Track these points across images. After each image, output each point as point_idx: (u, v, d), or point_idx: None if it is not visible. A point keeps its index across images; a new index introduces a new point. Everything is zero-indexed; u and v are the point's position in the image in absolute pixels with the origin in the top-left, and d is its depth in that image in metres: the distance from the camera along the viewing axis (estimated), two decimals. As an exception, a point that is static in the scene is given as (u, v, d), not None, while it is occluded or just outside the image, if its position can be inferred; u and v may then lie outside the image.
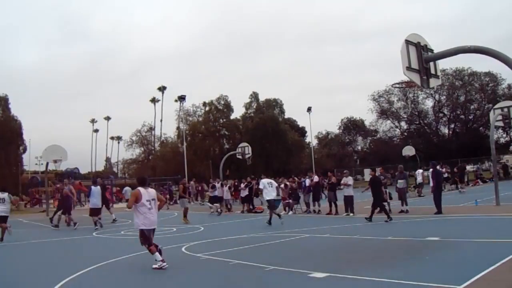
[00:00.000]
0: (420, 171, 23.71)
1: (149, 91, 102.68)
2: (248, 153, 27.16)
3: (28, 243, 12.00)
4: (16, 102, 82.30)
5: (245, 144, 28.66)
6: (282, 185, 19.43)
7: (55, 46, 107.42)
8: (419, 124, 51.83)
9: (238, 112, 57.28)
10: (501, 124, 19.18)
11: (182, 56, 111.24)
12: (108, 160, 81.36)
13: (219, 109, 55.41)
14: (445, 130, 51.32)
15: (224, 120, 55.47)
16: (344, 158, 58.29)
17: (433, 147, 46.81)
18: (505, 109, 17.64)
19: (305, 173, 24.67)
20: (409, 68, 7.57)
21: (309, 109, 53.23)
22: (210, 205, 20.64)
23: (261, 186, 14.70)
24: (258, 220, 16.26)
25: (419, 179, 23.06)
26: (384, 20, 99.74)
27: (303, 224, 13.32)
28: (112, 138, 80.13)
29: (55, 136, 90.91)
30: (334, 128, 68.86)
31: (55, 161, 23.06)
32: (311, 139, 60.81)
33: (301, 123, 64.57)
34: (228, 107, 55.64)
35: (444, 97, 48.92)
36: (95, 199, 15.75)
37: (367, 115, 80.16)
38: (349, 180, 15.85)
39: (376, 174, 14.88)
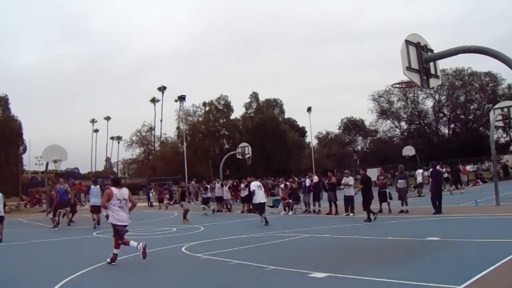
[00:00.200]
0: (420, 171, 23.72)
1: (149, 91, 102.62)
2: (248, 153, 27.17)
3: (28, 243, 12.00)
4: (16, 102, 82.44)
5: (245, 144, 28.67)
6: (282, 185, 19.47)
7: (55, 46, 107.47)
8: (419, 124, 51.83)
9: (238, 112, 57.35)
10: (501, 124, 19.19)
11: (182, 56, 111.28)
12: (108, 160, 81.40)
13: (219, 109, 55.39)
14: (445, 130, 51.36)
15: (224, 120, 55.45)
16: (344, 158, 58.29)
17: (433, 147, 46.80)
18: (505, 109, 17.65)
19: (305, 173, 24.70)
20: (409, 68, 7.57)
21: (309, 109, 53.24)
22: (204, 205, 20.94)
23: (252, 188, 14.99)
24: (258, 220, 16.26)
25: (419, 179, 23.07)
26: (384, 20, 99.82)
27: (303, 224, 13.32)
28: (112, 138, 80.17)
29: (55, 136, 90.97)
30: (334, 128, 68.91)
31: (55, 161, 23.05)
32: (311, 139, 60.90)
33: (301, 123, 64.65)
34: (228, 107, 55.62)
35: (444, 97, 48.93)
36: (95, 198, 16.20)
37: (367, 115, 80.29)
38: (350, 180, 15.85)
39: (367, 173, 14.98)
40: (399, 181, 15.63)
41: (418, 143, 44.62)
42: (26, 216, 23.62)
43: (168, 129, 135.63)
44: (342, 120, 61.76)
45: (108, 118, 77.45)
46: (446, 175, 26.88)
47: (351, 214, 15.15)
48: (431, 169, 15.35)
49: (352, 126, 61.32)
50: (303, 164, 53.62)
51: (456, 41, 73.96)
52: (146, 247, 7.89)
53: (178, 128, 57.57)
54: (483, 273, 5.70)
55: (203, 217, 18.50)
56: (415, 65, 7.68)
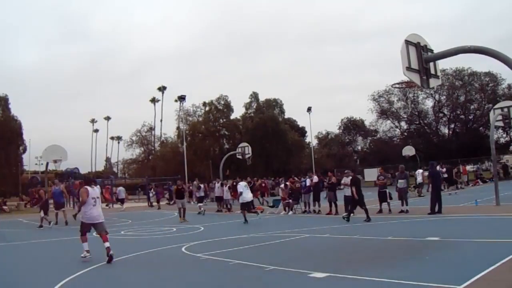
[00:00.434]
0: (420, 171, 23.71)
1: (149, 91, 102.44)
2: (248, 153, 27.18)
3: (28, 243, 12.00)
4: (16, 102, 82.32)
5: (245, 144, 28.69)
6: (282, 185, 19.47)
7: (55, 46, 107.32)
8: (419, 124, 51.85)
9: (238, 112, 57.36)
10: (501, 124, 19.19)
11: (182, 56, 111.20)
12: (108, 160, 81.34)
13: (219, 109, 55.41)
14: (445, 130, 51.39)
15: (224, 120, 55.46)
16: (344, 158, 58.29)
17: (433, 147, 46.82)
18: (505, 109, 17.65)
19: (305, 173, 24.70)
20: (409, 68, 7.58)
21: (309, 109, 53.26)
22: (199, 205, 21.36)
23: (240, 189, 15.76)
24: (258, 220, 16.27)
25: (419, 179, 23.06)
26: (384, 20, 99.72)
27: (303, 224, 13.32)
28: (112, 138, 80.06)
29: (55, 136, 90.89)
30: (334, 128, 68.87)
31: (55, 161, 23.08)
32: (311, 139, 60.91)
33: (301, 123, 64.64)
34: (228, 107, 55.64)
35: (444, 97, 48.95)
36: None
37: (367, 115, 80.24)
38: (350, 180, 15.84)
39: (357, 175, 15.28)
40: (400, 181, 15.62)
41: (418, 143, 44.64)
42: (26, 216, 23.62)
43: (168, 129, 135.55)
44: (342, 120, 61.83)
45: (108, 118, 77.42)
46: (446, 175, 26.97)
47: (351, 214, 15.13)
48: (429, 169, 15.40)
49: (352, 126, 61.31)
50: (303, 164, 53.62)
51: (456, 41, 73.97)
52: (85, 257, 8.35)
53: (178, 128, 57.63)
54: (483, 273, 5.70)
55: (203, 217, 18.51)
56: (415, 65, 7.68)
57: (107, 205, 27.13)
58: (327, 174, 18.27)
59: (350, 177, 14.56)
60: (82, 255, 8.41)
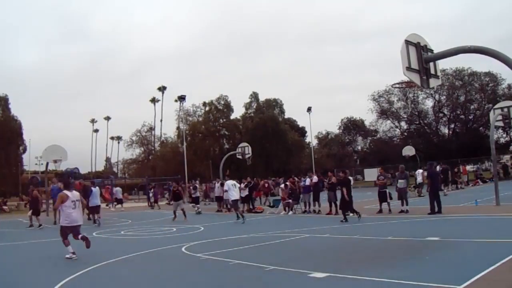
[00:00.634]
0: (420, 171, 23.70)
1: (149, 91, 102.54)
2: (248, 153, 27.16)
3: (28, 243, 12.00)
4: (16, 102, 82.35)
5: (245, 144, 28.67)
6: (282, 185, 19.48)
7: (55, 46, 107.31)
8: (419, 124, 51.82)
9: (238, 112, 57.35)
10: (501, 124, 19.18)
11: (182, 56, 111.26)
12: (108, 160, 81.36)
13: (219, 109, 55.40)
14: (445, 130, 51.35)
15: (224, 120, 55.46)
16: (344, 158, 58.30)
17: (433, 147, 46.80)
18: (505, 109, 17.64)
19: (305, 173, 24.70)
20: (409, 68, 7.57)
21: (309, 109, 53.25)
22: (194, 204, 21.55)
23: (226, 188, 16.39)
24: (258, 220, 16.28)
25: (419, 179, 23.05)
26: (384, 20, 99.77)
27: (303, 224, 13.32)
28: (112, 138, 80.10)
29: (55, 136, 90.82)
30: (334, 128, 68.90)
31: (55, 161, 23.06)
32: (311, 139, 60.91)
33: (301, 123, 64.66)
34: (228, 107, 55.63)
35: (444, 97, 48.92)
36: (96, 199, 16.95)
37: (367, 115, 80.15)
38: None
39: (347, 176, 15.45)
40: (400, 181, 15.63)
41: (418, 143, 44.61)
42: (26, 216, 23.57)
43: (168, 129, 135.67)
44: (342, 120, 61.81)
45: (108, 118, 77.46)
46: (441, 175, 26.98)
47: (351, 214, 15.14)
48: (428, 170, 15.43)
49: (352, 126, 61.30)
50: (303, 164, 53.62)
51: (456, 41, 73.94)
52: (71, 258, 8.62)
53: (178, 128, 57.61)
54: (483, 273, 5.70)
55: (203, 217, 18.51)
56: (415, 65, 7.67)
57: (107, 205, 27.13)
58: (327, 174, 18.27)
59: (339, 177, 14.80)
60: (68, 256, 8.65)
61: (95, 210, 16.84)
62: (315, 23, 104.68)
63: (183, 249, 9.41)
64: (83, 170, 61.32)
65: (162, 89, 67.20)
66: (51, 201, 24.48)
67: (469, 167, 36.58)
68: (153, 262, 8.32)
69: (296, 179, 20.43)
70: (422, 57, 7.76)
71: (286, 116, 60.03)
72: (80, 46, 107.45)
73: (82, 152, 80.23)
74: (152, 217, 19.54)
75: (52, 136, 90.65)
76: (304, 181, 18.06)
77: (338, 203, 15.94)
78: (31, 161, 58.40)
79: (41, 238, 13.11)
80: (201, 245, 10.02)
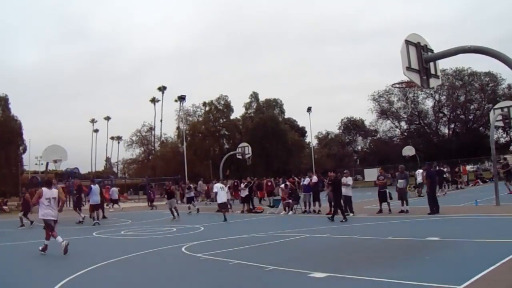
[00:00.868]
0: (420, 171, 23.67)
1: (149, 91, 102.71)
2: (248, 153, 27.19)
3: (28, 243, 11.98)
4: (16, 102, 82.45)
5: (245, 144, 28.70)
6: (282, 185, 19.47)
7: (55, 46, 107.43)
8: (419, 124, 51.83)
9: (238, 112, 57.37)
10: (501, 124, 19.19)
11: (182, 56, 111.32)
12: (108, 160, 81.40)
13: (219, 109, 55.40)
14: (445, 130, 51.36)
15: (224, 120, 55.45)
16: (344, 158, 58.32)
17: (433, 147, 46.81)
18: (505, 109, 17.64)
19: (305, 173, 24.72)
20: (409, 68, 7.58)
21: (309, 109, 53.27)
22: (189, 205, 21.70)
23: (215, 190, 16.90)
24: (258, 220, 16.28)
25: (419, 179, 23.03)
26: (384, 20, 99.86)
27: (303, 224, 13.31)
28: (112, 138, 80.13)
29: (55, 136, 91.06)
30: (334, 128, 69.03)
31: (55, 161, 23.09)
32: (311, 139, 60.95)
33: (301, 123, 64.71)
34: (228, 107, 55.63)
35: (444, 97, 48.93)
36: (96, 197, 17.07)
37: (367, 115, 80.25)
38: (349, 180, 15.89)
39: (338, 176, 15.68)
40: (400, 181, 15.63)
41: (418, 143, 44.63)
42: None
43: (168, 129, 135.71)
44: (342, 120, 61.88)
45: (108, 118, 77.47)
46: (446, 175, 26.97)
47: (351, 214, 15.16)
48: (426, 170, 15.48)
49: (352, 126, 61.33)
50: (303, 164, 53.62)
51: (456, 41, 73.94)
52: (68, 246, 9.10)
53: (178, 128, 57.58)
54: (483, 273, 5.69)
55: (204, 217, 18.50)
56: (415, 65, 7.68)
57: (107, 205, 27.08)
58: (327, 174, 18.28)
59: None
60: (63, 243, 9.10)
61: (95, 208, 16.91)
62: (315, 23, 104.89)
63: (183, 249, 9.41)
64: (83, 170, 61.50)
65: (162, 89, 67.18)
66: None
67: (469, 167, 36.60)
68: (153, 262, 8.32)
69: (296, 179, 20.46)
70: (422, 57, 7.77)
71: (286, 116, 60.14)
72: (80, 46, 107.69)
73: (82, 152, 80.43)
74: (152, 217, 19.53)
75: (52, 136, 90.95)
76: (304, 181, 18.08)
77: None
78: (31, 161, 58.53)
79: (41, 238, 13.04)
80: (201, 245, 10.02)
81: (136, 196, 38.89)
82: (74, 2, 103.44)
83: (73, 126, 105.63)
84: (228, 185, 22.24)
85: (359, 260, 7.42)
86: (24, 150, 49.30)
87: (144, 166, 61.16)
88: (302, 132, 63.54)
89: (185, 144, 43.93)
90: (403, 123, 53.21)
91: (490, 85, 46.74)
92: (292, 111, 76.89)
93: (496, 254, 6.73)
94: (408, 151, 33.79)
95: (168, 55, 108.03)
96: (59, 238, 9.20)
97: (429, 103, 50.17)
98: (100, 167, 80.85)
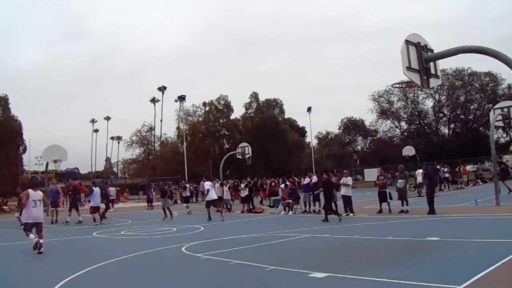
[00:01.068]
0: (420, 171, 23.63)
1: (149, 91, 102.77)
2: (248, 153, 27.16)
3: (28, 243, 11.96)
4: (16, 102, 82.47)
5: (245, 144, 28.66)
6: (282, 185, 19.47)
7: (55, 46, 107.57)
8: (419, 124, 51.85)
9: (238, 112, 57.36)
10: (501, 124, 19.16)
11: (182, 56, 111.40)
12: (108, 160, 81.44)
13: (219, 109, 55.39)
14: (445, 130, 51.41)
15: (224, 120, 55.44)
16: (344, 158, 58.33)
17: (433, 147, 46.83)
18: (505, 109, 17.62)
19: (305, 173, 24.70)
20: (409, 68, 7.56)
21: (309, 109, 53.27)
22: (186, 204, 21.88)
23: (207, 188, 17.07)
24: (258, 220, 16.29)
25: (419, 179, 23.01)
26: (384, 20, 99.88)
27: (303, 224, 13.31)
28: (112, 138, 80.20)
29: (55, 136, 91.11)
30: (334, 128, 69.03)
31: (55, 161, 23.06)
32: (311, 139, 60.93)
33: (301, 123, 64.70)
34: (228, 107, 55.62)
35: (444, 97, 48.96)
36: (97, 199, 17.35)
37: (367, 115, 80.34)
38: (349, 180, 15.91)
39: (330, 177, 15.78)
40: (399, 181, 15.64)
41: (418, 143, 44.64)
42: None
43: (168, 129, 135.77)
44: (342, 120, 61.93)
45: (108, 118, 77.55)
46: (447, 175, 27.00)
47: (351, 214, 15.17)
48: (424, 171, 15.52)
49: (352, 126, 61.36)
50: (303, 164, 53.61)
51: (456, 41, 73.96)
52: (41, 244, 9.50)
53: (178, 128, 57.58)
54: (483, 273, 5.69)
55: (204, 217, 18.47)
56: (415, 65, 7.67)
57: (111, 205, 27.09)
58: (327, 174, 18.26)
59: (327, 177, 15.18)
60: (35, 240, 9.57)
61: (95, 210, 17.04)
62: (315, 23, 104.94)
63: (183, 249, 9.41)
64: (83, 170, 61.56)
65: (162, 89, 67.20)
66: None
67: (469, 167, 36.56)
68: (153, 262, 8.32)
69: (296, 179, 20.45)
70: (422, 57, 7.76)
71: (286, 116, 60.13)
72: (80, 46, 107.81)
73: (82, 152, 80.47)
74: (152, 217, 19.52)
75: (52, 136, 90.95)
76: (304, 181, 18.09)
77: (338, 203, 15.99)
78: (31, 161, 58.52)
79: (41, 238, 13.09)
80: (201, 245, 10.02)
81: (136, 196, 38.83)
82: (74, 2, 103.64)
83: (73, 126, 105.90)
84: (228, 185, 22.23)
85: (359, 260, 7.42)
86: (24, 150, 49.24)
87: (144, 166, 61.18)
88: (302, 132, 63.54)
89: (185, 144, 43.92)
90: (403, 123, 53.33)
91: (490, 85, 46.77)
92: (292, 111, 77.02)
93: (496, 254, 6.73)
94: (408, 151, 33.77)
95: (168, 55, 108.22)
96: (31, 236, 9.67)
97: (429, 103, 50.29)
98: (100, 167, 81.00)
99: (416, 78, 7.77)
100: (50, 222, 18.12)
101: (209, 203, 16.73)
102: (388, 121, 52.66)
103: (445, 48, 8.00)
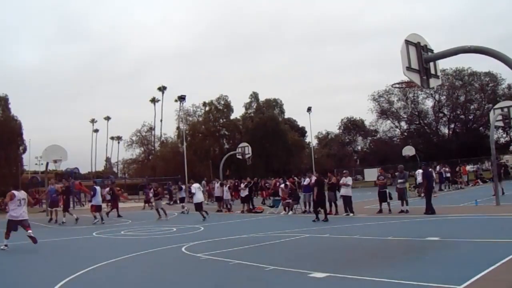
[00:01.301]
0: (420, 171, 23.63)
1: (149, 91, 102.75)
2: (248, 153, 27.17)
3: (28, 243, 11.96)
4: (16, 102, 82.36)
5: (245, 144, 28.67)
6: (282, 185, 19.48)
7: (55, 46, 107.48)
8: (419, 124, 51.85)
9: (238, 112, 57.29)
10: (501, 124, 19.18)
11: (182, 56, 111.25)
12: (108, 160, 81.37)
13: (219, 109, 55.34)
14: (445, 130, 51.41)
15: (224, 120, 55.39)
16: (344, 158, 58.28)
17: (433, 147, 46.82)
18: (505, 109, 17.63)
19: (305, 173, 24.70)
20: (409, 68, 7.57)
21: (309, 109, 53.19)
22: (182, 204, 22.00)
23: (193, 191, 17.48)
24: (258, 220, 16.29)
25: (419, 179, 23.02)
26: (384, 20, 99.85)
27: (303, 224, 13.32)
28: (112, 138, 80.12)
29: (55, 136, 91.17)
30: (334, 128, 68.93)
31: (55, 161, 23.07)
32: (311, 139, 60.86)
33: (301, 123, 64.66)
34: (228, 107, 55.57)
35: (444, 97, 48.96)
36: (99, 198, 17.78)
37: (367, 115, 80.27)
38: (349, 180, 15.92)
39: (330, 178, 16.13)
40: (399, 181, 15.65)
41: (418, 143, 44.65)
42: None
43: (168, 129, 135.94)
44: (342, 120, 61.89)
45: (108, 118, 77.48)
46: (448, 174, 27.02)
47: (351, 214, 15.17)
48: (423, 171, 15.54)
49: (352, 126, 61.34)
50: (303, 164, 53.61)
51: (456, 41, 73.96)
52: (32, 235, 10.18)
53: (178, 128, 57.51)
54: (483, 273, 5.70)
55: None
56: (415, 65, 7.67)
57: (107, 205, 27.08)
58: (327, 175, 18.27)
59: (315, 178, 15.53)
60: (1, 247, 10.08)
61: (98, 208, 17.33)
62: (315, 23, 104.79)
63: (183, 249, 9.41)
64: (83, 170, 61.55)
65: (162, 89, 67.17)
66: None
67: (469, 167, 36.57)
68: (153, 262, 8.32)
69: (296, 179, 20.45)
70: (422, 57, 7.76)
71: (286, 116, 60.09)
72: (80, 46, 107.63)
73: (82, 152, 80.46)
74: (152, 217, 19.49)
75: (52, 136, 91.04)
76: (304, 181, 18.09)
77: (338, 203, 16.00)
78: (31, 161, 58.40)
79: (41, 238, 13.08)
80: (201, 245, 10.02)
81: (136, 196, 38.83)
82: (74, 2, 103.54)
83: (73, 126, 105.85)
84: (228, 185, 22.24)
85: (359, 260, 7.42)
86: (24, 150, 49.12)
87: (144, 166, 61.12)
88: (302, 132, 63.53)
89: (185, 144, 43.88)
90: (403, 123, 53.33)
91: (490, 85, 46.77)
92: (292, 111, 76.96)
93: (496, 254, 6.73)
94: (408, 151, 33.78)
95: (168, 55, 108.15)
96: (5, 241, 10.20)
97: (429, 103, 50.29)
98: (100, 167, 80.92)
99: (416, 78, 7.77)
100: (48, 221, 18.19)
101: (196, 206, 17.20)
102: (388, 121, 52.71)
103: (445, 48, 8.01)
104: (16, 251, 10.77)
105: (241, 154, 27.98)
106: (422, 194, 21.42)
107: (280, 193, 19.34)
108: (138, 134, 64.58)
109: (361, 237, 10.20)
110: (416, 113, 50.69)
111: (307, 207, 17.54)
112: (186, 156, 40.67)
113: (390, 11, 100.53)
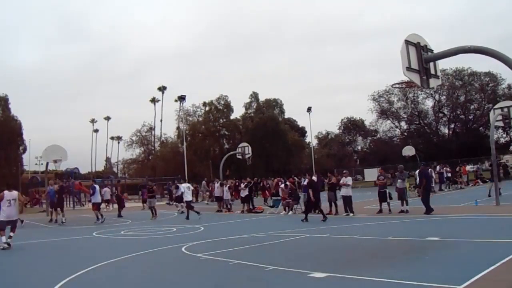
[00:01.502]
0: (420, 171, 23.70)
1: (149, 91, 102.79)
2: (248, 153, 27.17)
3: (28, 243, 11.99)
4: (16, 102, 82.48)
5: (245, 144, 28.67)
6: (282, 185, 19.48)
7: (55, 46, 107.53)
8: (419, 124, 51.85)
9: (238, 112, 57.33)
10: (501, 124, 19.18)
11: (182, 56, 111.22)
12: (108, 160, 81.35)
13: (219, 109, 55.36)
14: (445, 130, 51.40)
15: (224, 120, 55.42)
16: (344, 158, 58.30)
17: (433, 147, 46.82)
18: (505, 109, 17.63)
19: (305, 173, 24.72)
20: (409, 68, 7.57)
21: (309, 109, 53.22)
22: (177, 204, 22.11)
23: (182, 190, 18.13)
24: (258, 220, 16.29)
25: (419, 179, 23.05)
26: (385, 20, 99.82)
27: (303, 224, 13.33)
28: (112, 138, 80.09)
29: (55, 136, 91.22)
30: (334, 128, 68.96)
31: (55, 161, 23.08)
32: (311, 139, 60.91)
33: (301, 123, 64.72)
34: (228, 107, 55.59)
35: (444, 97, 48.95)
36: (98, 196, 18.16)
37: (367, 115, 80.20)
38: (349, 180, 15.91)
39: (313, 179, 16.30)
40: (399, 181, 15.65)
41: (418, 143, 44.65)
42: (26, 216, 23.56)
43: (168, 129, 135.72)
44: (342, 120, 61.90)
45: (108, 118, 77.46)
46: (449, 174, 27.03)
47: (351, 214, 15.17)
48: (422, 171, 15.55)
49: (352, 126, 61.34)
50: (303, 164, 53.63)
51: (456, 41, 73.95)
52: (8, 244, 10.31)
53: (178, 128, 57.55)
54: (483, 273, 5.70)
55: (204, 217, 18.48)
56: (415, 65, 7.68)
57: (106, 205, 27.08)
58: (327, 175, 18.29)
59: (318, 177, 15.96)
60: (0, 247, 10.14)
61: (99, 206, 17.60)
62: (315, 23, 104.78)
63: (183, 249, 9.41)
64: (83, 170, 61.53)
65: (162, 89, 67.19)
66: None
67: (469, 167, 36.55)
68: (153, 262, 8.32)
69: (296, 179, 20.46)
70: (422, 57, 7.77)
71: (286, 116, 60.14)
72: (80, 46, 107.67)
73: (82, 152, 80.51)
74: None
75: (52, 136, 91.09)
76: (304, 181, 18.11)
77: (338, 203, 16.00)
78: (31, 161, 58.59)
79: (41, 238, 13.12)
80: (201, 245, 10.02)
81: (136, 196, 38.84)
82: (74, 2, 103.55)
83: (73, 126, 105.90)
84: (228, 185, 22.23)
85: (359, 260, 7.42)
86: (24, 150, 49.32)
87: (144, 166, 61.14)
88: (302, 132, 63.55)
89: (185, 144, 43.91)
90: (403, 123, 53.33)
91: (490, 85, 46.76)
92: (292, 111, 76.99)
93: (496, 254, 6.73)
94: (408, 151, 33.78)
95: (168, 55, 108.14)
96: (3, 239, 10.33)
97: (429, 103, 50.28)
98: (100, 167, 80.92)
99: (416, 78, 7.77)
100: (49, 221, 18.21)
101: (186, 205, 17.73)
102: (388, 121, 52.70)
103: (445, 48, 8.02)
104: (16, 251, 10.77)
105: (241, 154, 27.98)
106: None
107: (280, 193, 19.34)
108: (138, 134, 64.68)
109: (361, 237, 10.20)
110: (416, 113, 50.69)
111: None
112: (186, 156, 40.70)
113: (390, 11, 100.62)
